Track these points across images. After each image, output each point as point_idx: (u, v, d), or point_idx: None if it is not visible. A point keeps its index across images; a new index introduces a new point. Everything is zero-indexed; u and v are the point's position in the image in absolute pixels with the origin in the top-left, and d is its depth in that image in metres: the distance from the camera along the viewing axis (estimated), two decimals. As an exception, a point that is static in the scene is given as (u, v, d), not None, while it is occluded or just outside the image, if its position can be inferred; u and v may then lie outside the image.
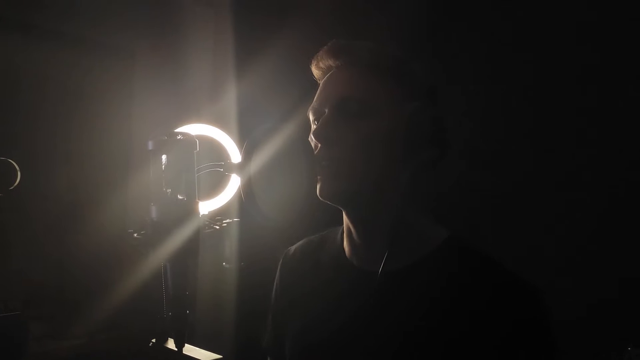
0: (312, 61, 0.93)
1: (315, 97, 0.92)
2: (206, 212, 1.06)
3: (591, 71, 1.57)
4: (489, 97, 1.67)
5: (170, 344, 0.75)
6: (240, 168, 0.81)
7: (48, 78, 1.98)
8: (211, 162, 0.89)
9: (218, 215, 0.98)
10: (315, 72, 0.94)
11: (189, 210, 0.69)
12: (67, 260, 1.86)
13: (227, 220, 0.73)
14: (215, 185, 1.07)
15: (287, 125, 0.85)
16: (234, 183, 1.04)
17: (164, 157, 0.68)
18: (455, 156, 0.90)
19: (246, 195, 0.79)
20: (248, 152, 0.82)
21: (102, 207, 1.87)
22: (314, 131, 0.86)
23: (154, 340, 0.80)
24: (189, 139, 0.71)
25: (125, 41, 2.10)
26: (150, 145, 0.68)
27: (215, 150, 1.11)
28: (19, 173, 1.81)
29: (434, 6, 1.74)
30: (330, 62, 0.90)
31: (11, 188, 1.79)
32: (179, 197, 0.68)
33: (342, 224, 0.95)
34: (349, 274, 0.91)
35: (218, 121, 1.10)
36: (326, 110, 0.87)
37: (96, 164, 2.02)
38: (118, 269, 1.69)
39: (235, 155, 1.09)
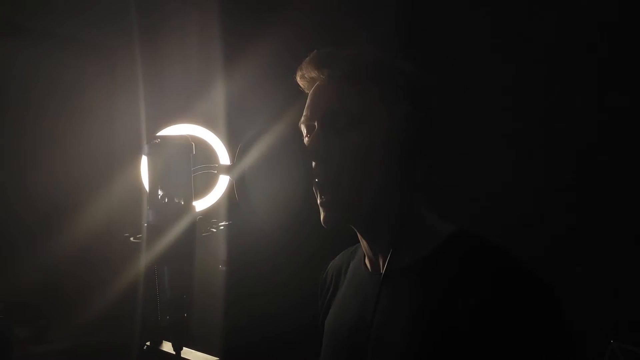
0: (297, 72, 0.93)
1: (305, 110, 0.91)
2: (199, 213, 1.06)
3: (583, 70, 1.60)
4: (462, 106, 1.69)
5: (165, 347, 0.75)
6: (234, 170, 0.81)
7: (30, 78, 1.95)
8: (199, 164, 0.88)
9: (206, 215, 0.98)
10: (302, 82, 0.93)
11: (186, 213, 0.68)
12: (54, 262, 1.84)
13: (224, 223, 0.73)
14: (203, 185, 1.06)
15: (280, 128, 0.85)
16: (221, 184, 1.04)
17: (160, 160, 0.68)
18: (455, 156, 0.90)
19: (240, 197, 0.79)
20: (242, 154, 0.82)
21: (87, 208, 1.85)
22: (307, 150, 0.84)
23: (148, 344, 0.80)
24: (185, 143, 0.70)
25: (108, 39, 2.07)
26: (147, 148, 0.67)
27: (202, 151, 1.11)
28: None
29: (410, 15, 1.76)
30: (314, 74, 0.90)
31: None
32: (176, 200, 0.68)
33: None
34: (364, 280, 0.92)
35: (204, 121, 1.09)
36: (316, 125, 0.87)
37: (80, 164, 1.99)
38: (104, 271, 1.67)
39: (222, 155, 1.09)
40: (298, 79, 0.93)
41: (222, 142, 1.13)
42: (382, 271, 0.85)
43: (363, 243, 0.92)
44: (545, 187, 1.65)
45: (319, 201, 0.85)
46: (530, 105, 1.69)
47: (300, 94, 1.00)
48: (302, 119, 0.90)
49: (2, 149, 1.90)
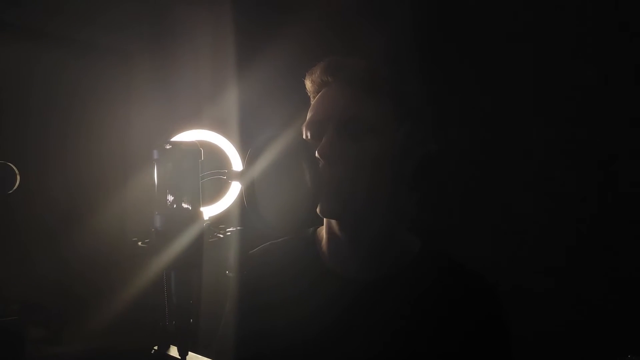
0: (307, 75, 0.94)
1: (313, 112, 0.92)
2: (207, 219, 1.06)
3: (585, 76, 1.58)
4: (476, 112, 1.68)
5: (173, 352, 0.75)
6: (243, 176, 0.81)
7: (45, 82, 1.98)
8: (212, 169, 0.89)
9: (217, 222, 0.98)
10: (309, 85, 0.95)
11: (193, 219, 0.69)
12: (66, 265, 1.86)
13: (231, 229, 0.73)
14: (215, 191, 1.07)
15: (290, 134, 0.85)
16: (234, 190, 1.04)
17: (168, 165, 0.68)
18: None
19: (249, 204, 0.79)
20: (251, 160, 0.82)
21: (101, 212, 1.87)
22: (319, 149, 0.86)
23: (156, 348, 0.80)
24: (194, 148, 0.71)
25: (124, 44, 2.10)
26: (156, 154, 0.68)
27: (215, 157, 1.11)
28: (18, 177, 1.80)
29: (425, 22, 1.75)
30: (329, 79, 0.91)
31: (10, 192, 1.79)
32: (184, 205, 0.69)
33: (312, 227, 0.97)
34: (327, 280, 0.91)
35: (218, 126, 1.10)
36: (329, 128, 0.88)
37: (95, 169, 2.01)
38: (117, 275, 1.69)
39: (235, 161, 1.09)
40: (307, 81, 0.94)
41: (235, 148, 1.14)
42: (367, 278, 0.88)
43: (339, 246, 0.91)
44: (558, 195, 1.62)
45: (323, 190, 0.85)
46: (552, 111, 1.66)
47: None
48: (311, 119, 0.91)
49: (25, 151, 1.93)
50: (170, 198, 0.67)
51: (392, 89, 0.90)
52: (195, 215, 0.69)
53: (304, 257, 0.97)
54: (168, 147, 0.67)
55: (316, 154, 0.86)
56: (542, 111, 1.65)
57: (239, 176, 0.84)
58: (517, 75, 1.68)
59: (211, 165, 0.91)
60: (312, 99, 0.95)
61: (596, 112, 1.58)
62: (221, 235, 0.71)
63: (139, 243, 0.67)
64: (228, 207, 1.08)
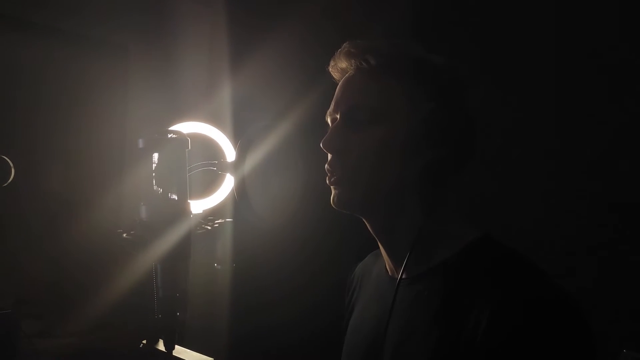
0: (331, 63, 0.90)
1: (332, 102, 0.89)
2: (200, 211, 1.04)
3: (598, 71, 1.55)
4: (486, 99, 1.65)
5: (161, 346, 0.74)
6: (234, 167, 0.80)
7: (41, 75, 1.96)
8: (206, 161, 0.87)
9: (212, 214, 0.96)
10: (334, 74, 0.91)
11: (180, 210, 0.67)
12: (61, 259, 1.85)
13: (219, 221, 0.72)
14: (210, 184, 1.05)
15: (282, 124, 0.83)
16: (229, 182, 1.03)
17: (155, 155, 0.67)
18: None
19: (239, 195, 0.78)
20: (242, 151, 0.80)
21: (97, 206, 1.86)
22: (322, 141, 0.82)
23: (144, 342, 0.79)
24: (180, 138, 0.69)
25: (120, 38, 2.08)
26: (141, 143, 0.66)
27: (210, 149, 1.10)
28: (12, 169, 1.79)
29: (426, 10, 1.72)
30: (346, 65, 0.87)
31: (5, 185, 1.78)
32: (170, 196, 0.67)
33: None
34: (383, 283, 0.90)
35: (214, 119, 1.08)
36: (337, 117, 0.85)
37: (91, 162, 2.00)
38: (112, 268, 1.68)
39: (230, 153, 1.08)
40: (331, 69, 0.90)
41: (230, 141, 1.12)
42: (398, 276, 0.81)
43: (381, 246, 0.89)
44: (572, 192, 1.60)
45: (329, 181, 0.82)
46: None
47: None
48: (330, 109, 0.88)
49: (20, 145, 1.92)
50: (156, 188, 0.65)
51: (415, 66, 0.83)
52: (182, 206, 0.67)
53: (379, 265, 0.96)
54: (153, 136, 0.65)
55: (321, 145, 0.83)
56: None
57: (230, 167, 0.83)
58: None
59: (206, 157, 0.89)
60: None
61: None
62: (209, 227, 0.69)
63: (124, 235, 0.65)
64: (223, 200, 1.07)
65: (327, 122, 0.89)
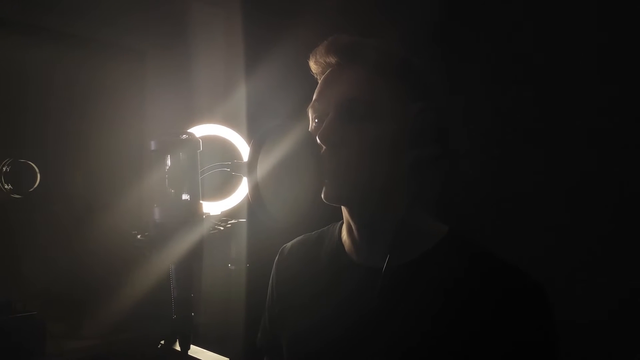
0: (311, 56, 0.91)
1: (316, 95, 0.90)
2: (218, 212, 1.05)
3: (601, 71, 1.52)
4: (493, 101, 1.63)
5: (178, 346, 0.75)
6: (247, 167, 0.80)
7: (59, 80, 2.00)
8: (222, 162, 0.88)
9: (229, 215, 0.97)
10: (314, 67, 0.92)
11: (193, 211, 0.68)
12: (83, 261, 1.88)
13: (232, 221, 0.72)
14: (227, 185, 1.06)
15: (295, 124, 0.83)
16: (246, 184, 1.03)
17: (167, 157, 0.67)
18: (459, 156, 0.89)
19: (252, 196, 0.78)
20: (254, 151, 0.80)
21: (116, 209, 1.89)
22: (319, 134, 0.84)
23: (162, 342, 0.80)
24: (192, 139, 0.70)
25: (136, 42, 2.11)
26: (153, 145, 0.67)
27: (227, 151, 1.10)
28: (38, 175, 1.84)
29: (443, 8, 1.70)
30: (331, 59, 0.88)
31: (31, 190, 1.83)
32: (183, 197, 0.68)
33: (341, 219, 0.95)
34: (350, 272, 0.90)
35: (229, 121, 1.09)
36: (330, 111, 0.85)
37: (109, 166, 2.04)
38: (132, 270, 1.70)
39: (246, 155, 1.08)
40: (311, 62, 0.92)
41: (247, 142, 1.13)
42: (384, 266, 0.83)
43: (355, 235, 0.89)
44: (555, 188, 1.56)
45: (324, 179, 0.83)
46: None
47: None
48: (313, 102, 0.89)
49: (44, 150, 1.96)
50: (169, 190, 0.66)
51: (403, 66, 0.86)
52: (194, 207, 0.68)
53: (328, 248, 0.96)
54: (165, 137, 0.66)
55: (317, 139, 0.84)
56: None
57: (243, 168, 0.83)
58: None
59: (223, 159, 0.89)
60: (318, 81, 0.93)
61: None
62: (222, 228, 0.70)
63: (138, 236, 0.66)
64: (241, 202, 1.07)
65: (307, 115, 0.90)
